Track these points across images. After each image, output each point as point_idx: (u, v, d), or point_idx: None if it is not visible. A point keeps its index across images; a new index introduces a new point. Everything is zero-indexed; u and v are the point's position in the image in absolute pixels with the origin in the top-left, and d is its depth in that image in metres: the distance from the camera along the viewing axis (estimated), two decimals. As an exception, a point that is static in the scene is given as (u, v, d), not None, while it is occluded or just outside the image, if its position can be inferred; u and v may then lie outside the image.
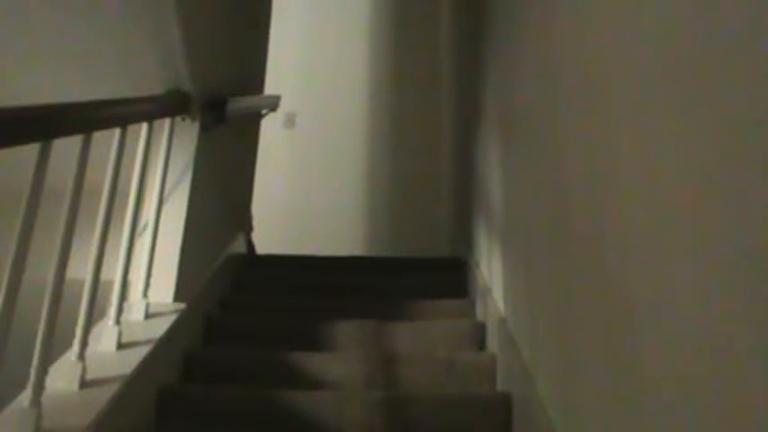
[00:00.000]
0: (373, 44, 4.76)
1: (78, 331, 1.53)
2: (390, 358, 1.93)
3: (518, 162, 1.70)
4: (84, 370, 1.50)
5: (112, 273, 1.76)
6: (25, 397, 1.31)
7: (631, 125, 0.86)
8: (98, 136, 1.52)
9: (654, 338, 0.77)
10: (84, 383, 1.49)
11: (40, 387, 1.32)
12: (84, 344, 1.53)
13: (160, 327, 1.86)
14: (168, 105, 2.04)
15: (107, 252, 1.62)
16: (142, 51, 2.00)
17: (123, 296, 1.77)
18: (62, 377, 1.47)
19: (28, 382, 1.32)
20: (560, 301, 1.22)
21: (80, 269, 1.58)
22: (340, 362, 1.93)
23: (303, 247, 3.60)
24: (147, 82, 2.01)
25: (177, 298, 2.02)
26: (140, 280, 1.92)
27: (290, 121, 4.49)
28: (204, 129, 2.23)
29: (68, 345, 1.53)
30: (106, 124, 1.62)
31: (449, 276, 2.73)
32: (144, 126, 1.88)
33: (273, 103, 2.71)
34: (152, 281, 1.94)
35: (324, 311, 2.33)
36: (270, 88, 3.40)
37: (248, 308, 2.43)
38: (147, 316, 1.89)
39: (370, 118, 4.58)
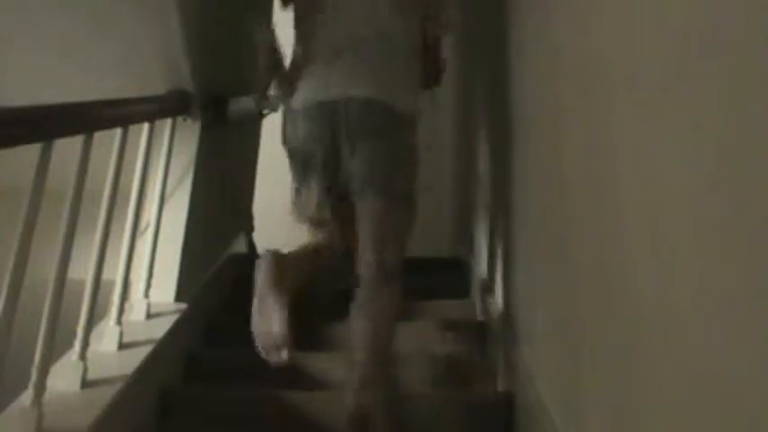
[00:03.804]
0: (374, 44, 4.74)
1: (80, 331, 1.53)
2: (391, 358, 1.92)
3: (519, 161, 1.70)
4: (85, 370, 1.50)
5: (114, 273, 1.76)
6: (27, 397, 1.32)
7: (632, 123, 0.86)
8: (99, 136, 1.52)
9: (657, 337, 0.77)
10: (86, 383, 1.49)
11: (41, 387, 1.32)
12: (85, 344, 1.53)
13: (161, 327, 1.86)
14: (169, 105, 2.04)
15: (108, 252, 1.62)
16: (143, 51, 2.00)
17: (124, 296, 1.77)
18: (63, 377, 1.47)
19: (29, 382, 1.32)
20: (561, 300, 1.22)
21: (81, 269, 1.58)
22: (341, 362, 1.92)
23: (304, 248, 3.58)
24: (149, 82, 2.01)
25: (178, 298, 2.02)
26: (142, 280, 1.92)
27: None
28: (205, 129, 2.23)
29: (70, 345, 1.54)
30: (107, 124, 1.62)
31: (449, 276, 2.73)
32: (145, 126, 1.88)
33: (275, 104, 2.70)
34: (153, 281, 1.94)
35: (325, 311, 2.33)
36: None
37: (249, 308, 2.43)
38: (149, 316, 1.89)
39: (370, 118, 4.57)
